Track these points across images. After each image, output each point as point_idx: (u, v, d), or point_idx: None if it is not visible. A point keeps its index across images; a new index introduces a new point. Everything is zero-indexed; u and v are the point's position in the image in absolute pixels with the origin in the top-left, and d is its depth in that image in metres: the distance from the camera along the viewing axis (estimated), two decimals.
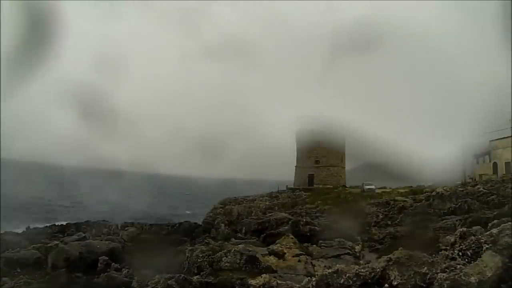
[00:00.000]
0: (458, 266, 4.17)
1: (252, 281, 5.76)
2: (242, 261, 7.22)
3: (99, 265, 9.63)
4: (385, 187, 34.90)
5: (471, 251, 4.59)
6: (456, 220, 11.51)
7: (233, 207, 30.18)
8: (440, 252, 5.48)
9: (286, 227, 13.24)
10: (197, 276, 6.42)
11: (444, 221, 11.95)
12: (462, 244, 4.82)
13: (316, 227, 13.41)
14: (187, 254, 8.16)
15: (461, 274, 3.96)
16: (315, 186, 42.80)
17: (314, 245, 10.08)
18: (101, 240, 12.85)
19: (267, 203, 31.51)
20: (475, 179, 31.40)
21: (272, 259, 7.90)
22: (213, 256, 7.64)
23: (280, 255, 8.15)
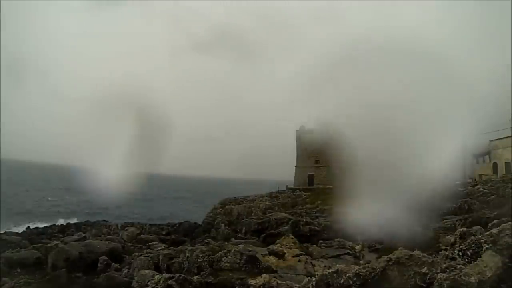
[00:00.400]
0: (458, 266, 4.18)
1: (252, 281, 5.76)
2: (242, 261, 7.22)
3: (99, 265, 9.62)
4: None
5: (471, 251, 4.59)
6: (456, 220, 11.49)
7: (233, 207, 30.16)
8: (440, 252, 5.48)
9: (286, 227, 13.24)
10: (197, 276, 6.41)
11: (444, 221, 11.93)
12: (462, 244, 4.82)
13: (316, 227, 13.41)
14: (187, 254, 8.16)
15: (461, 274, 3.96)
16: (315, 186, 42.81)
17: (314, 245, 10.08)
18: (101, 240, 12.86)
19: (267, 203, 31.49)
20: (475, 179, 31.41)
21: (272, 259, 7.90)
22: (213, 256, 7.64)
23: (280, 255, 8.15)
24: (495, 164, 34.91)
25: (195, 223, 23.75)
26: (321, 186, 41.75)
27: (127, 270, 8.94)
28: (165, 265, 8.57)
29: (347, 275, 4.67)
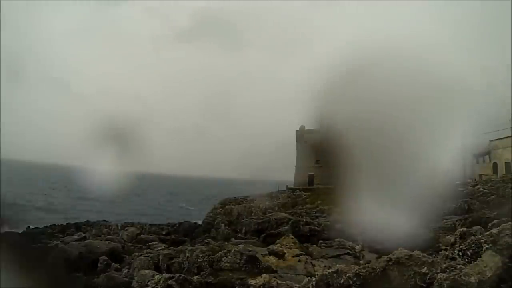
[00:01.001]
0: (458, 266, 4.18)
1: (252, 281, 5.76)
2: (242, 261, 7.22)
3: (99, 265, 9.64)
4: None
5: (471, 251, 4.60)
6: (456, 220, 11.50)
7: (233, 207, 30.14)
8: (440, 252, 5.49)
9: (286, 227, 13.24)
10: (197, 276, 6.41)
11: (444, 221, 11.94)
12: (462, 244, 4.82)
13: (316, 227, 13.41)
14: (187, 254, 8.16)
15: (461, 274, 3.96)
16: (315, 186, 42.79)
17: (314, 245, 10.08)
18: (101, 240, 12.87)
19: (267, 203, 31.47)
20: (475, 179, 31.39)
21: (272, 259, 7.90)
22: (213, 256, 7.64)
23: (280, 255, 8.15)
24: (495, 164, 34.90)
25: (195, 223, 23.76)
26: (321, 186, 41.71)
27: (127, 270, 8.95)
28: (165, 265, 8.57)
29: (347, 275, 4.67)
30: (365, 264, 5.35)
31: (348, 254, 9.16)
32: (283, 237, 9.86)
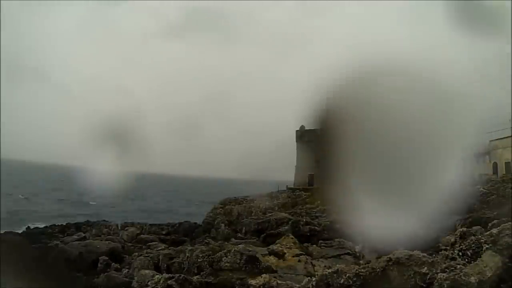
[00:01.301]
0: (458, 266, 4.18)
1: (252, 281, 5.76)
2: (242, 261, 7.23)
3: (99, 265, 9.65)
4: None
5: (471, 251, 4.60)
6: (456, 220, 11.50)
7: (233, 207, 30.10)
8: (440, 252, 5.49)
9: (286, 227, 13.25)
10: (197, 276, 6.42)
11: (444, 221, 11.93)
12: (462, 244, 4.83)
13: (316, 227, 13.41)
14: (187, 254, 8.17)
15: (461, 274, 3.96)
16: (315, 186, 42.75)
17: (314, 245, 10.09)
18: (101, 240, 12.87)
19: (267, 203, 31.43)
20: (475, 179, 31.35)
21: (272, 259, 7.90)
22: (213, 256, 7.64)
23: (280, 255, 8.15)
24: (495, 164, 34.86)
25: (195, 223, 23.74)
26: (321, 186, 41.62)
27: (127, 270, 8.96)
28: (165, 265, 8.58)
29: (347, 275, 4.67)
30: (365, 264, 5.35)
31: (348, 254, 9.17)
32: (283, 237, 9.87)
